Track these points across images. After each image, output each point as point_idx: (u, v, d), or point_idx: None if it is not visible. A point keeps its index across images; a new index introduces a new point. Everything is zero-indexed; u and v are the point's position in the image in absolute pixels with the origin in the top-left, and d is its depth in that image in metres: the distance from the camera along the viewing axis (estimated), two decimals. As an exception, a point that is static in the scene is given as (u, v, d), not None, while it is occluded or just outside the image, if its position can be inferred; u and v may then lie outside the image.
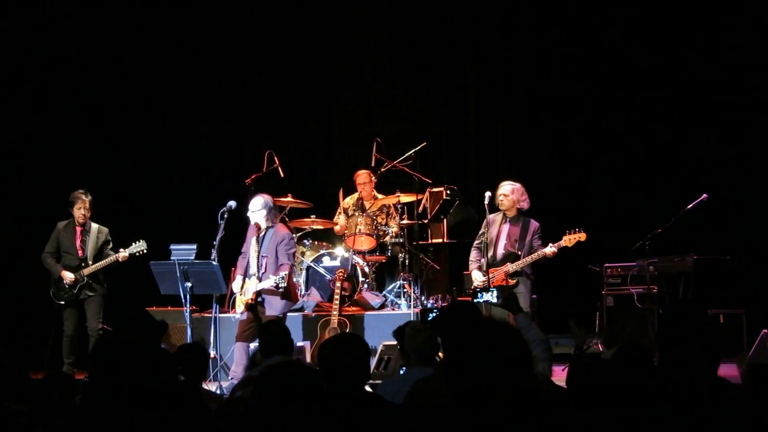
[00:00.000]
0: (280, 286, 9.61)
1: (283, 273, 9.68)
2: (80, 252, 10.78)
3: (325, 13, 14.32)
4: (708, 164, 12.63)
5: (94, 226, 10.90)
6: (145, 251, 10.68)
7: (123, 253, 10.67)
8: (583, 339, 6.62)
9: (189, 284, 9.65)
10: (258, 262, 9.94)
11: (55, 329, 10.81)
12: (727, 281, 11.72)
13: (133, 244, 10.71)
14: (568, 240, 9.63)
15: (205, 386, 7.71)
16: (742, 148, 12.61)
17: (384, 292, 11.97)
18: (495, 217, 9.99)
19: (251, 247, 10.02)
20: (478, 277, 9.84)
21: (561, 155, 13.62)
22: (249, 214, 10.01)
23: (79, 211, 10.77)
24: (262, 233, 10.00)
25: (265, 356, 6.44)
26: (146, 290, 10.54)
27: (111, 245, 10.93)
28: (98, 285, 10.78)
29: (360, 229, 11.73)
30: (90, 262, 10.72)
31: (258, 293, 9.84)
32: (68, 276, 10.64)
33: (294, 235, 10.76)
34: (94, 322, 10.65)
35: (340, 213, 12.48)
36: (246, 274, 10.04)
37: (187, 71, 13.96)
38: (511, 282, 9.70)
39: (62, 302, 10.73)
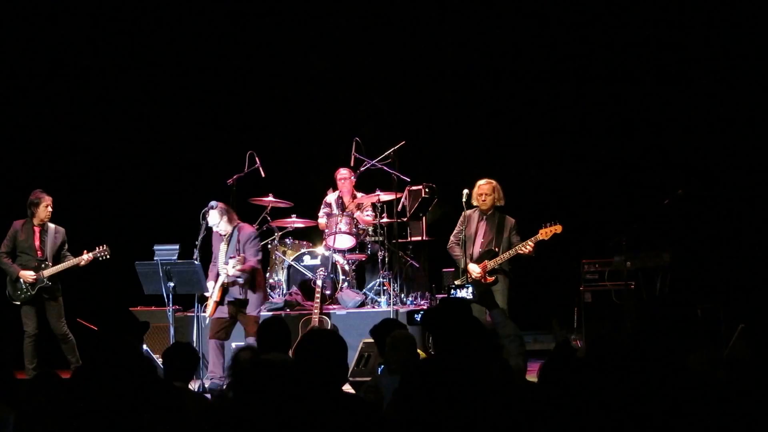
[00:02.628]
0: (232, 271, 9.92)
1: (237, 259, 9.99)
2: (39, 253, 10.56)
3: (306, 14, 14.39)
4: (684, 159, 12.75)
5: (51, 226, 10.69)
6: (108, 256, 10.64)
7: (86, 257, 10.59)
8: (565, 337, 6.74)
9: (172, 284, 9.73)
10: (226, 261, 10.09)
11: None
12: (704, 276, 11.81)
13: (97, 248, 10.62)
14: (545, 233, 9.73)
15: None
16: (719, 143, 12.74)
17: (364, 290, 12.05)
18: (472, 214, 10.08)
19: (220, 252, 10.16)
20: (474, 270, 9.90)
21: (539, 152, 13.73)
22: (214, 227, 10.18)
23: (47, 210, 10.57)
24: (228, 236, 10.15)
25: (263, 352, 6.48)
26: (131, 290, 10.60)
27: (67, 246, 10.78)
28: (56, 288, 10.62)
29: (340, 228, 11.81)
30: (50, 263, 10.54)
31: (228, 287, 10.01)
32: (29, 275, 10.41)
33: (258, 232, 10.84)
34: (59, 326, 10.54)
35: (323, 210, 12.56)
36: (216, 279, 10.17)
37: (168, 71, 14.03)
38: (490, 279, 9.81)
39: (18, 302, 10.53)
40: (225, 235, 10.16)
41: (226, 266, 9.97)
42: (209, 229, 10.30)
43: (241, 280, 10.00)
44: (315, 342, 4.62)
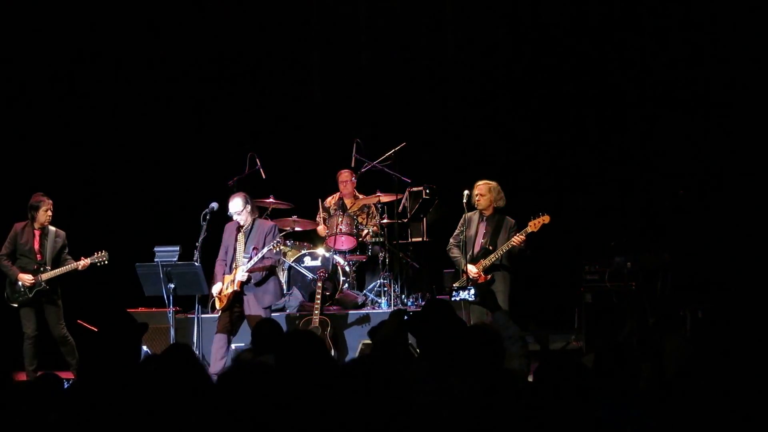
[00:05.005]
0: (266, 256, 9.82)
1: (270, 246, 9.88)
2: (38, 256, 10.56)
3: (305, 15, 14.40)
4: (685, 160, 12.75)
5: (52, 229, 10.69)
6: (106, 262, 10.63)
7: (83, 262, 10.59)
8: (547, 336, 6.70)
9: (172, 285, 9.70)
10: (246, 251, 9.95)
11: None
12: (705, 277, 11.79)
13: (95, 254, 10.62)
14: (533, 225, 9.75)
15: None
16: (719, 143, 12.74)
17: (364, 291, 12.05)
18: (473, 216, 10.09)
19: (237, 242, 10.03)
20: (471, 270, 9.90)
21: (539, 153, 13.73)
22: (234, 215, 10.00)
23: (46, 214, 10.58)
24: (248, 227, 10.05)
25: (258, 354, 6.47)
26: (132, 291, 10.59)
27: (67, 249, 10.77)
28: (55, 291, 10.61)
29: (341, 229, 11.81)
30: (48, 267, 10.54)
31: (242, 289, 9.90)
32: (27, 278, 10.42)
33: (277, 227, 10.74)
34: (58, 328, 10.53)
35: (321, 215, 12.54)
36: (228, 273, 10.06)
37: (168, 73, 14.03)
38: (486, 278, 9.81)
39: (15, 305, 10.52)
40: (243, 227, 10.07)
41: (247, 261, 9.87)
42: (210, 230, 10.25)
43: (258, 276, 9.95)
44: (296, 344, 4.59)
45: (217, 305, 10.07)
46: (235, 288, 9.86)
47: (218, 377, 3.92)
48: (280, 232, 12.27)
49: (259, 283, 10.02)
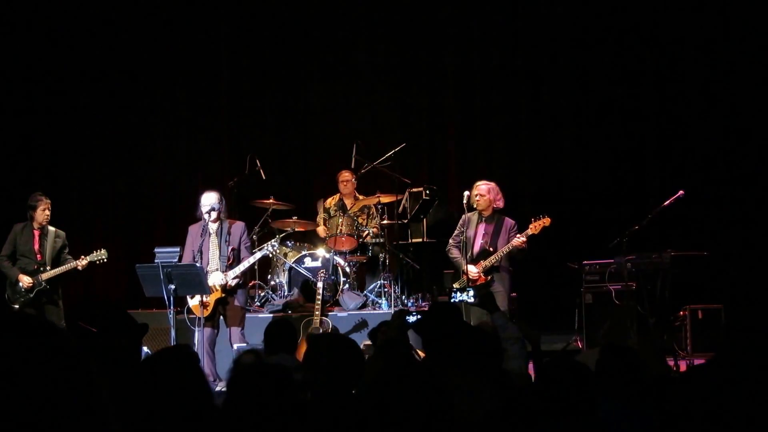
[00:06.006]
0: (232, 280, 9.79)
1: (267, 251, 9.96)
2: (38, 256, 10.54)
3: (305, 14, 14.40)
4: (685, 160, 12.76)
5: (51, 229, 10.67)
6: (105, 260, 10.62)
7: (83, 261, 10.56)
8: (538, 336, 6.69)
9: (172, 286, 9.66)
10: (222, 253, 9.90)
11: None
12: (705, 277, 11.79)
13: (94, 252, 10.59)
14: (534, 227, 9.78)
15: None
16: (719, 144, 12.75)
17: (365, 292, 12.04)
18: (471, 217, 10.12)
19: (210, 242, 9.93)
20: (471, 270, 9.91)
21: (539, 154, 13.73)
22: (209, 208, 9.84)
23: (44, 213, 10.54)
24: (218, 228, 9.99)
25: (270, 353, 6.47)
26: (132, 292, 10.58)
27: (67, 249, 10.76)
28: (55, 291, 10.59)
29: (341, 230, 11.81)
30: (48, 267, 10.52)
31: (225, 292, 9.87)
32: (26, 280, 10.39)
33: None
34: None
35: (321, 217, 12.55)
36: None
37: (167, 73, 14.04)
38: (486, 279, 9.82)
39: (17, 306, 10.47)
40: (215, 226, 9.99)
41: (225, 273, 9.84)
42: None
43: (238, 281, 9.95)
44: (328, 347, 4.56)
45: (197, 310, 9.89)
46: (221, 293, 9.85)
47: (229, 379, 3.91)
48: (281, 233, 12.31)
49: (241, 286, 10.06)
